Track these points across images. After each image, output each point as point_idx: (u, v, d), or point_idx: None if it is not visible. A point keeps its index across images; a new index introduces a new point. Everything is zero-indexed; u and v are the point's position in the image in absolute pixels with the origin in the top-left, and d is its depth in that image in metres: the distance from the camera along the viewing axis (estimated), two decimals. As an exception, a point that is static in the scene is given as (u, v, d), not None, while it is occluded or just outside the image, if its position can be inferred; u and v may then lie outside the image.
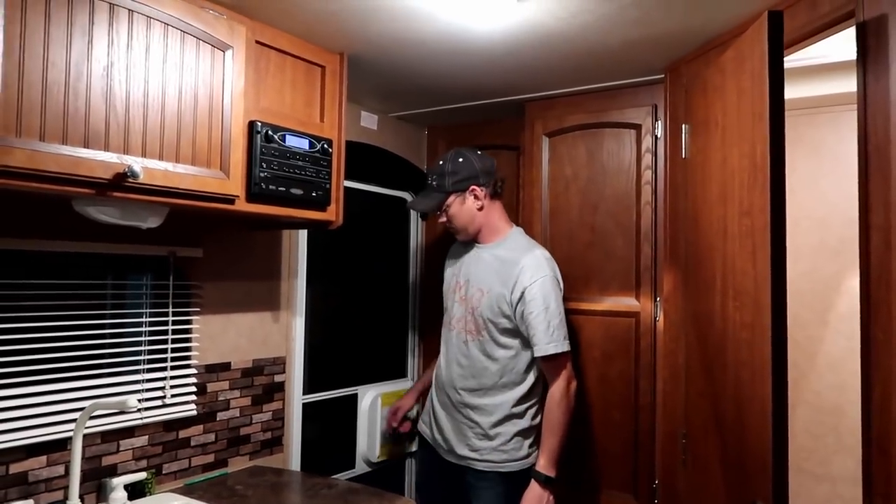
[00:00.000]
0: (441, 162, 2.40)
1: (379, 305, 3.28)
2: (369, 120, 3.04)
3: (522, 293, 2.22)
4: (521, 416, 2.31)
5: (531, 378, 2.32)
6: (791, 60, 2.49)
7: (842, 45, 2.14)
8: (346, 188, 2.83)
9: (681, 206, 2.31)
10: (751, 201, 1.70)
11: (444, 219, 2.42)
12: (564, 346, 2.22)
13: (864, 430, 1.43)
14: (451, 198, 2.37)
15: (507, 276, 2.26)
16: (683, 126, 2.30)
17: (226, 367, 2.40)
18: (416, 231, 3.42)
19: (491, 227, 2.40)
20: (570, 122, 2.73)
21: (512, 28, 2.04)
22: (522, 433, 2.31)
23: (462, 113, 3.07)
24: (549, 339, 2.20)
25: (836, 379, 2.99)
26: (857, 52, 1.57)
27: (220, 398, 2.38)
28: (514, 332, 2.28)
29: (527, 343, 2.27)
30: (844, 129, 2.94)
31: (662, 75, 2.45)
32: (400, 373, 3.33)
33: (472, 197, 2.36)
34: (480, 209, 2.36)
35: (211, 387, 2.34)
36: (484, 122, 3.20)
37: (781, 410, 1.53)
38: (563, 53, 2.26)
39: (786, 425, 1.55)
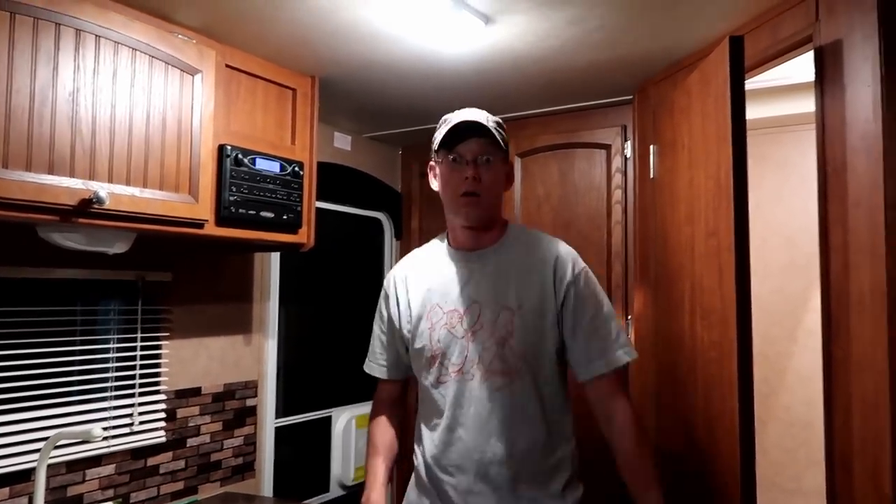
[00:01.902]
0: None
1: (353, 326, 3.26)
2: (343, 141, 3.05)
3: (569, 293, 1.53)
4: (572, 460, 1.59)
5: (569, 408, 1.62)
6: (756, 81, 2.55)
7: (806, 65, 2.20)
8: (320, 209, 2.82)
9: (650, 225, 2.34)
10: (716, 222, 1.73)
11: (479, 178, 1.51)
12: (634, 351, 1.58)
13: (827, 448, 1.45)
14: (505, 156, 1.59)
15: (542, 277, 1.54)
16: (652, 147, 2.34)
17: (196, 391, 2.36)
18: (391, 250, 3.42)
19: (499, 220, 1.63)
20: (541, 142, 2.77)
21: (481, 51, 2.06)
22: (571, 479, 1.58)
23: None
24: (619, 343, 1.54)
25: (805, 394, 3.03)
26: (815, 75, 1.62)
27: (191, 424, 2.34)
28: (560, 354, 1.57)
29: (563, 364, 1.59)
30: (808, 147, 3.00)
31: (631, 96, 2.50)
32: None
33: (507, 170, 1.63)
34: (505, 191, 1.65)
35: (181, 412, 2.30)
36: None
37: (749, 427, 1.56)
38: (533, 75, 2.29)
39: (753, 441, 1.57)
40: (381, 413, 1.78)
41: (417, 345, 1.60)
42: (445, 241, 1.67)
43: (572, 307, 1.53)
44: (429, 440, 1.60)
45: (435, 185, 1.63)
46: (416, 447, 1.67)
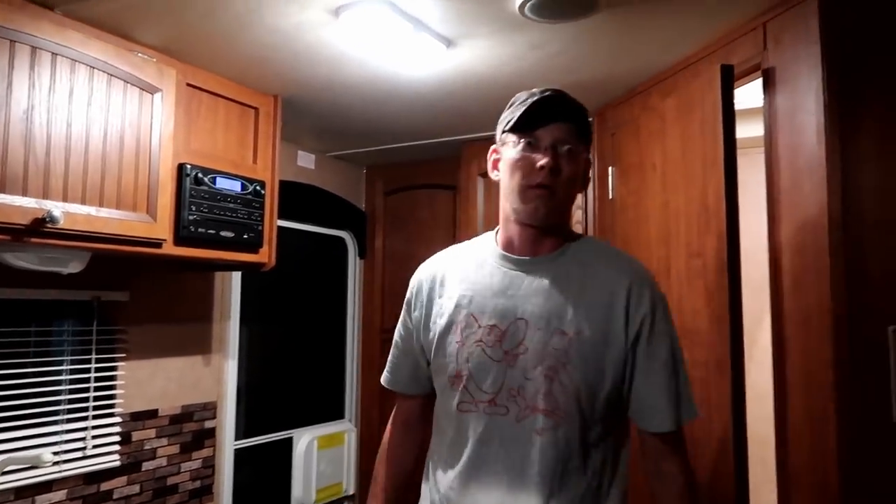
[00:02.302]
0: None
1: (316, 345, 3.24)
2: (306, 159, 3.04)
3: (644, 326, 1.24)
4: None
5: (625, 461, 1.30)
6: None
7: (758, 91, 2.28)
8: (283, 228, 2.82)
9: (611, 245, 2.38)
10: (701, 243, 1.77)
11: (558, 169, 1.23)
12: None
13: (778, 464, 1.49)
14: (588, 149, 1.32)
15: (611, 301, 1.24)
16: (610, 168, 2.39)
17: (153, 414, 2.31)
18: (354, 269, 3.41)
19: (565, 226, 1.35)
20: (504, 163, 2.79)
21: (443, 73, 2.09)
22: None
23: (400, 153, 3.11)
24: (688, 395, 1.28)
25: (762, 411, 3.07)
26: (764, 102, 1.68)
27: (146, 447, 2.28)
28: (618, 398, 1.26)
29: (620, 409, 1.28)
30: (762, 171, 3.09)
31: (591, 119, 2.54)
32: (337, 414, 3.28)
33: (587, 172, 1.33)
34: (581, 191, 1.36)
35: (136, 435, 2.25)
36: (422, 162, 3.24)
37: (742, 445, 1.58)
38: (496, 97, 2.30)
39: (746, 458, 1.60)
40: (395, 440, 1.46)
41: (440, 359, 1.30)
42: (494, 240, 1.35)
43: (645, 344, 1.23)
44: (443, 481, 1.30)
45: (496, 174, 1.33)
46: (423, 487, 1.38)
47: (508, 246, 1.31)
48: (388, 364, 1.47)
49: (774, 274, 1.60)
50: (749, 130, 3.03)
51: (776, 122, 1.64)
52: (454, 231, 3.02)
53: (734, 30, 1.78)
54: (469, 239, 1.45)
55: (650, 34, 1.83)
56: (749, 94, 2.49)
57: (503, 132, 1.30)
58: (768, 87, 1.68)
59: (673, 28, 1.79)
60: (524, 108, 1.24)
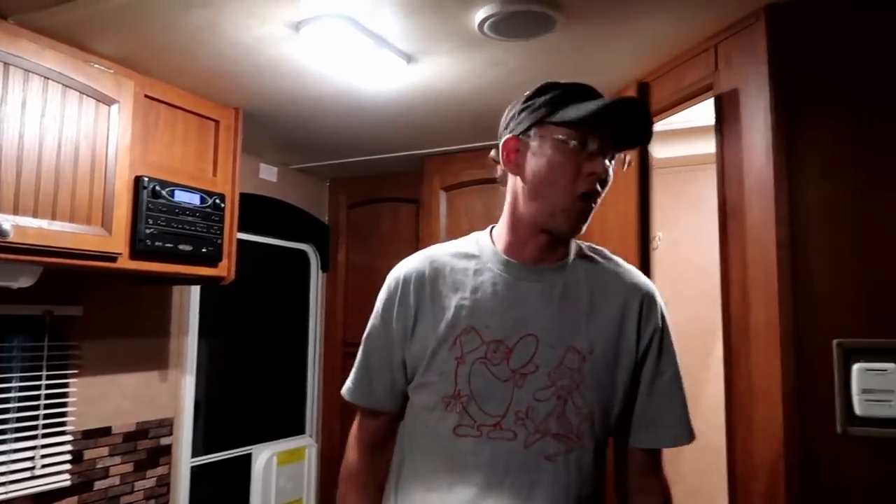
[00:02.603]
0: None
1: (277, 360, 3.20)
2: (268, 172, 3.02)
3: (653, 341, 1.18)
4: None
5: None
6: (673, 123, 2.71)
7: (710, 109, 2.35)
8: (244, 241, 2.79)
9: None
10: (625, 255, 1.81)
11: (606, 180, 1.12)
12: None
13: (729, 473, 1.52)
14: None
15: (624, 315, 1.16)
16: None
17: (106, 431, 2.26)
18: (317, 283, 3.39)
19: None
20: (466, 177, 2.82)
21: (405, 89, 2.11)
22: None
23: (364, 166, 3.11)
24: (687, 415, 1.22)
25: (718, 421, 3.14)
26: (715, 121, 1.73)
27: (99, 466, 2.23)
28: (618, 417, 1.18)
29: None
30: (717, 186, 3.17)
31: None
32: (298, 429, 3.24)
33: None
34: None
35: (88, 454, 2.19)
36: (386, 175, 3.24)
37: None
38: (457, 113, 2.35)
39: None
40: (364, 466, 1.27)
41: (430, 377, 1.13)
42: (490, 242, 1.19)
43: (654, 360, 1.17)
44: None
45: (510, 168, 1.15)
46: None
47: (515, 252, 1.15)
48: (353, 376, 1.25)
49: (725, 288, 1.64)
50: (705, 147, 3.12)
51: (727, 140, 1.69)
52: (417, 245, 3.02)
53: (687, 50, 1.84)
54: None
55: (607, 53, 1.87)
56: (705, 111, 2.58)
57: (541, 123, 1.11)
58: (719, 106, 1.73)
59: (629, 47, 1.84)
60: (599, 105, 1.06)
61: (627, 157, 1.08)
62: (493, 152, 1.21)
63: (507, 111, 1.20)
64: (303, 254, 3.34)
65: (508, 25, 1.65)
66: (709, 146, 3.08)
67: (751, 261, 1.57)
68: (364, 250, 3.34)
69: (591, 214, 1.12)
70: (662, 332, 1.18)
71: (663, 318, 1.20)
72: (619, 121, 1.09)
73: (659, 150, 3.23)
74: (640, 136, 1.13)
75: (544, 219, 1.11)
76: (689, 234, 3.39)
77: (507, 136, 1.15)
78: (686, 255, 3.37)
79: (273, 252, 3.17)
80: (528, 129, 1.13)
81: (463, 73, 1.99)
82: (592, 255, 1.22)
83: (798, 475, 1.41)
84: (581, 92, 1.12)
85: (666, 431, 1.18)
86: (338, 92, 2.13)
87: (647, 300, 1.18)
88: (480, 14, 1.60)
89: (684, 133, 3.11)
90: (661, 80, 1.96)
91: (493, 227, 1.22)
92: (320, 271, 3.39)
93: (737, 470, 1.54)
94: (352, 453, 1.28)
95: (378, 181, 3.26)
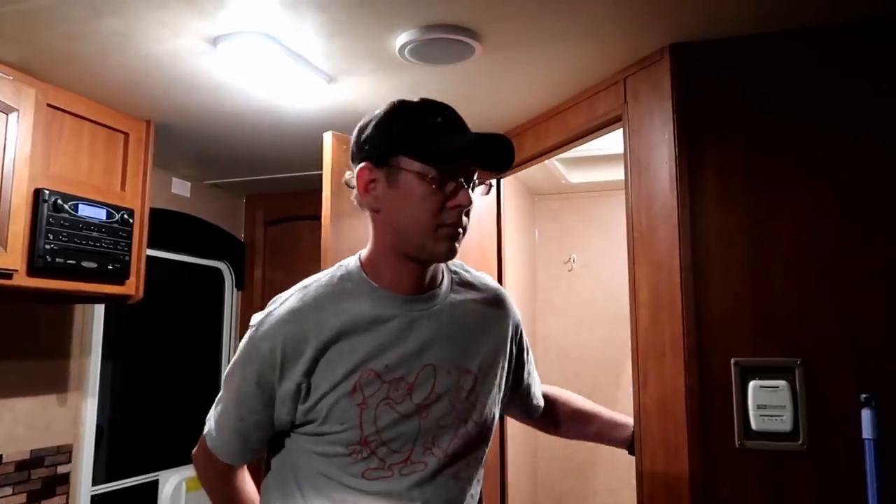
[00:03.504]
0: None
1: (187, 381, 3.08)
2: (181, 187, 2.93)
3: (521, 339, 1.32)
4: None
5: None
6: (585, 150, 2.82)
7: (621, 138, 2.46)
8: (154, 258, 2.68)
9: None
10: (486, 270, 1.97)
11: (469, 204, 1.08)
12: None
13: (638, 490, 1.58)
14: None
15: (501, 327, 1.25)
16: (488, 206, 2.49)
17: (-4, 460, 2.11)
18: (231, 301, 3.30)
19: None
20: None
21: (326, 108, 2.10)
22: None
23: (282, 183, 3.06)
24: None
25: (628, 437, 3.27)
26: (624, 150, 1.81)
27: (-13, 498, 2.07)
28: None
29: None
30: (628, 210, 3.32)
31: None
32: (210, 453, 3.12)
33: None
34: None
35: (-25, 485, 2.04)
36: (305, 193, 3.19)
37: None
38: (378, 133, 2.35)
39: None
40: (228, 496, 1.25)
41: (329, 428, 1.08)
42: (364, 276, 1.13)
43: (525, 352, 1.32)
44: None
45: (369, 202, 1.11)
46: None
47: (393, 284, 1.12)
48: (220, 434, 1.19)
49: (634, 310, 1.71)
50: (616, 174, 3.25)
51: (634, 169, 1.78)
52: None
53: (600, 82, 1.92)
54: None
55: (524, 81, 1.93)
56: (615, 140, 2.69)
57: (395, 153, 1.06)
58: (627, 137, 1.81)
59: (545, 77, 1.90)
60: (463, 143, 1.07)
61: (492, 182, 1.12)
62: (347, 175, 1.14)
63: (357, 132, 1.14)
64: (217, 271, 3.24)
65: (428, 51, 1.68)
66: (618, 173, 3.23)
67: (657, 283, 1.65)
68: (281, 268, 3.28)
69: (462, 237, 1.09)
70: (519, 326, 1.30)
71: (517, 314, 1.30)
72: (482, 153, 1.07)
73: (572, 175, 3.36)
74: (501, 166, 1.09)
75: (414, 251, 1.09)
76: (601, 257, 3.53)
77: (361, 164, 1.09)
78: (598, 278, 3.50)
79: (186, 270, 3.07)
80: (385, 158, 1.07)
81: (383, 95, 2.00)
82: (456, 271, 1.23)
83: (701, 487, 1.48)
84: (436, 118, 1.08)
85: (540, 390, 1.40)
86: (256, 108, 2.10)
87: (508, 302, 1.28)
88: (401, 39, 1.62)
89: (596, 160, 3.25)
90: (576, 108, 2.03)
91: (360, 257, 1.16)
92: (235, 289, 3.30)
93: (644, 487, 1.60)
94: (209, 482, 1.27)
95: (297, 198, 3.21)
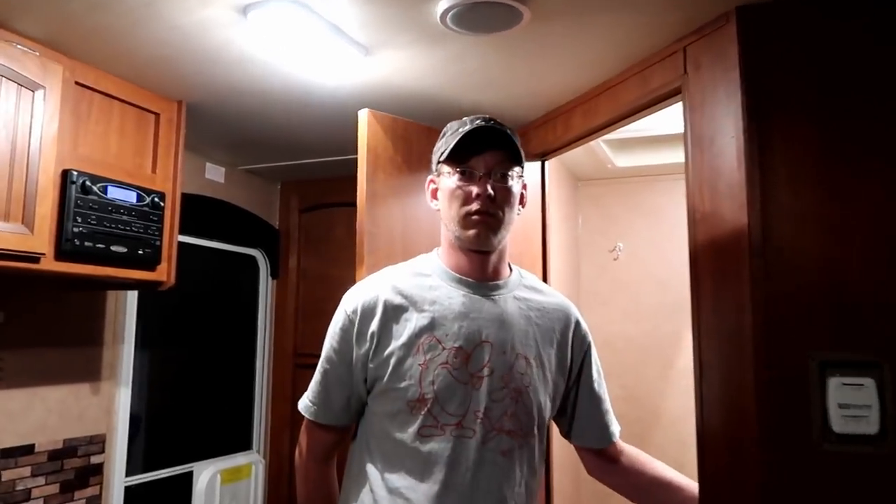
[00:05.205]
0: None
1: (222, 370, 3.03)
2: (215, 172, 2.86)
3: (587, 357, 1.42)
4: None
5: None
6: (629, 131, 2.67)
7: (676, 117, 2.30)
8: (186, 245, 2.63)
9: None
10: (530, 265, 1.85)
11: (493, 196, 1.26)
12: None
13: (701, 492, 1.44)
14: (521, 171, 1.33)
15: (562, 333, 1.38)
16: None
17: (28, 449, 2.06)
18: (266, 289, 3.23)
19: (505, 254, 1.39)
20: (424, 181, 2.72)
21: (361, 84, 1.99)
22: None
23: (317, 168, 2.98)
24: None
25: (678, 435, 3.12)
26: (684, 126, 1.67)
27: (19, 488, 2.03)
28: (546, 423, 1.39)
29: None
30: (678, 196, 3.15)
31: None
32: (244, 445, 3.07)
33: (523, 192, 1.37)
34: (518, 214, 1.36)
35: (7, 475, 2.00)
36: (340, 179, 3.10)
37: None
38: (416, 113, 2.24)
39: None
40: (321, 476, 1.40)
41: (395, 384, 1.24)
42: (439, 262, 1.35)
43: (591, 372, 1.41)
44: None
45: (435, 204, 1.35)
46: None
47: (458, 269, 1.33)
48: (312, 395, 1.36)
49: (696, 298, 1.57)
50: (665, 157, 3.10)
51: (696, 146, 1.63)
52: (372, 251, 2.90)
53: (655, 53, 1.78)
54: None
55: (572, 53, 1.79)
56: (665, 120, 2.53)
57: (438, 163, 1.33)
58: (687, 111, 1.67)
59: (595, 48, 1.76)
60: (456, 140, 1.27)
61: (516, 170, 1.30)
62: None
63: None
64: (252, 259, 3.18)
65: (473, 17, 1.55)
66: (667, 156, 3.09)
67: (721, 269, 1.51)
68: (316, 257, 3.21)
69: (499, 225, 1.28)
70: (591, 348, 1.43)
71: (590, 336, 1.44)
72: (481, 142, 1.26)
73: (619, 159, 3.20)
74: (500, 143, 1.27)
75: (457, 240, 1.31)
76: (648, 245, 3.36)
77: (430, 176, 1.37)
78: (645, 267, 3.34)
79: (220, 257, 3.01)
80: (435, 167, 1.35)
81: (422, 69, 1.89)
82: (526, 277, 1.42)
83: (772, 492, 1.34)
84: (465, 124, 1.29)
85: (613, 427, 1.44)
86: (289, 85, 2.00)
87: (580, 324, 1.42)
88: (444, 3, 1.50)
89: (644, 142, 3.08)
90: (627, 83, 1.89)
91: (437, 249, 1.38)
92: (270, 278, 3.24)
93: (708, 489, 1.46)
94: (306, 467, 1.40)
95: (332, 184, 3.12)
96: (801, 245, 1.41)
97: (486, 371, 1.25)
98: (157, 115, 2.05)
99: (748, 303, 1.41)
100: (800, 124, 1.45)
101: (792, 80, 1.47)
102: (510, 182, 1.29)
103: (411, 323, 1.26)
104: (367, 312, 1.28)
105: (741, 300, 1.43)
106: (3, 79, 1.57)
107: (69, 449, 2.19)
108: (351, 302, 1.31)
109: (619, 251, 3.41)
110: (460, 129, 1.28)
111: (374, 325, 1.27)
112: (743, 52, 1.50)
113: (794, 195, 1.43)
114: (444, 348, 1.24)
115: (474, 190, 1.26)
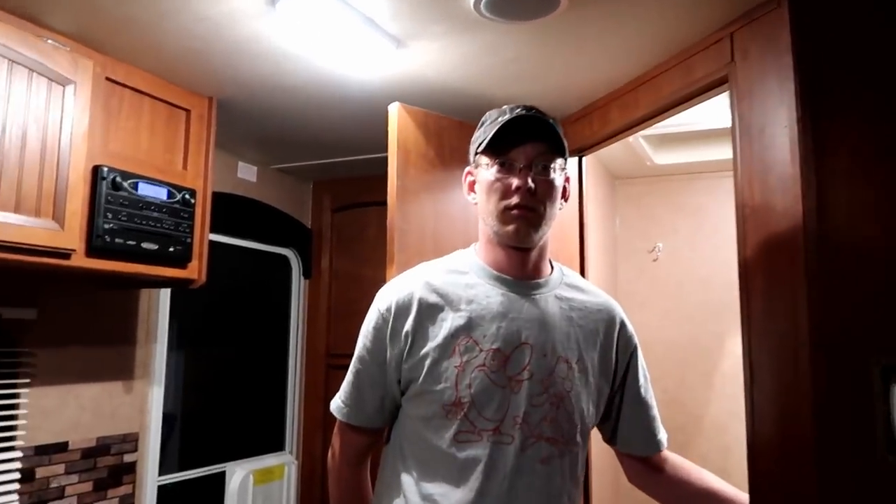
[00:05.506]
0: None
1: (255, 370, 3.01)
2: (247, 171, 2.85)
3: (633, 360, 1.32)
4: None
5: None
6: (670, 126, 2.57)
7: (719, 110, 2.20)
8: (220, 243, 2.62)
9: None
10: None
11: (534, 189, 1.17)
12: None
13: (752, 501, 1.35)
14: (564, 163, 1.24)
15: (606, 335, 1.29)
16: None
17: (62, 447, 2.06)
18: (298, 290, 3.21)
19: (546, 251, 1.30)
20: (458, 178, 2.66)
21: (392, 78, 1.95)
22: None
23: (350, 167, 2.95)
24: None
25: (722, 441, 3.00)
26: (731, 116, 1.58)
27: (53, 485, 2.03)
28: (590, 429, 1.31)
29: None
30: (722, 194, 3.04)
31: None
32: (277, 445, 3.05)
33: (566, 185, 1.27)
34: (560, 209, 1.27)
35: (41, 472, 2.00)
36: (372, 178, 3.05)
37: None
38: (448, 107, 2.18)
39: None
40: (356, 478, 1.35)
41: (429, 386, 1.17)
42: (477, 258, 1.27)
43: (637, 376, 1.32)
44: None
45: (472, 197, 1.28)
46: None
47: (498, 267, 1.25)
48: (345, 396, 1.29)
49: (746, 298, 1.48)
50: (707, 153, 2.98)
51: (745, 137, 1.54)
52: (405, 250, 2.85)
53: (699, 41, 1.69)
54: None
55: (613, 41, 1.72)
56: (708, 114, 2.43)
57: (476, 154, 1.25)
58: (735, 101, 1.58)
59: (635, 36, 1.69)
60: (496, 129, 1.18)
61: (558, 162, 1.20)
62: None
63: None
64: (284, 259, 3.17)
65: (507, 4, 1.49)
66: (710, 152, 2.97)
67: (774, 267, 1.41)
68: (349, 257, 3.17)
69: (539, 221, 1.19)
70: (637, 351, 1.33)
71: (635, 337, 1.34)
72: (521, 132, 1.18)
73: (658, 156, 3.09)
74: (541, 134, 1.19)
75: (495, 235, 1.23)
76: (689, 245, 3.25)
77: (467, 168, 1.30)
78: (686, 268, 3.23)
79: (252, 256, 3.00)
80: (472, 159, 1.26)
81: (455, 61, 1.84)
82: (568, 275, 1.32)
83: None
84: (504, 113, 1.21)
85: (661, 435, 1.33)
86: (319, 79, 1.97)
87: (625, 326, 1.32)
88: (477, -11, 1.45)
89: (685, 138, 2.97)
90: (669, 73, 1.81)
91: (475, 245, 1.30)
92: (302, 278, 3.21)
93: (759, 496, 1.37)
94: (339, 470, 1.34)
95: (364, 183, 3.07)
96: (862, 241, 1.31)
97: (525, 374, 1.17)
98: (187, 111, 2.04)
99: (803, 302, 1.32)
100: (859, 112, 1.35)
101: (849, 65, 1.37)
102: (552, 174, 1.19)
103: (447, 323, 1.18)
104: (402, 311, 1.21)
105: (795, 299, 1.34)
106: (34, 73, 1.56)
107: (102, 447, 2.19)
108: (384, 300, 1.24)
109: (659, 251, 3.30)
110: (500, 119, 1.20)
111: (408, 325, 1.19)
112: (796, 38, 1.41)
113: (855, 188, 1.33)
114: (481, 350, 1.17)
115: (514, 182, 1.17)
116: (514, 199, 1.17)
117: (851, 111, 1.36)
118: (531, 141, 1.18)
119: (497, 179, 1.19)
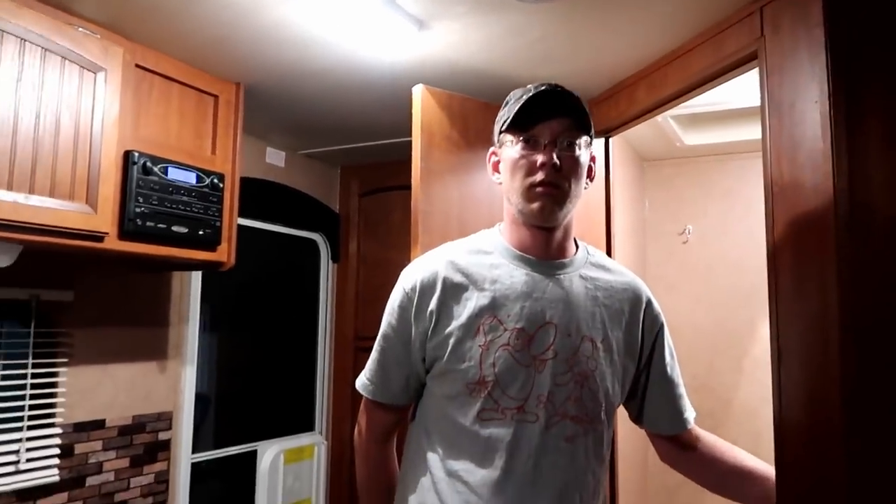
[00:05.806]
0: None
1: (284, 352, 3.07)
2: (276, 157, 2.88)
3: (658, 339, 1.32)
4: None
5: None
6: (698, 105, 2.52)
7: (749, 88, 2.15)
8: (249, 228, 2.66)
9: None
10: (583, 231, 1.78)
11: (559, 166, 1.16)
12: None
13: (778, 487, 1.34)
14: (590, 140, 1.23)
15: (632, 315, 1.28)
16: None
17: (99, 424, 2.13)
18: (327, 273, 3.25)
19: (571, 230, 1.28)
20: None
21: (416, 60, 1.94)
22: None
23: (376, 151, 2.96)
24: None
25: (752, 427, 2.96)
26: (761, 92, 1.55)
27: (91, 461, 2.10)
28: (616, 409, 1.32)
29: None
30: (752, 175, 2.98)
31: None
32: (307, 426, 3.10)
33: (591, 164, 1.26)
34: (585, 188, 1.26)
35: (80, 448, 2.07)
36: (400, 162, 3.06)
37: None
38: (471, 88, 2.18)
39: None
40: (383, 455, 1.35)
41: (454, 365, 1.17)
42: (501, 238, 1.27)
43: (664, 354, 1.31)
44: (454, 497, 1.16)
45: (497, 177, 1.26)
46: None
47: (521, 247, 1.24)
48: (370, 374, 1.30)
49: (774, 278, 1.46)
50: (739, 133, 2.92)
51: (774, 113, 1.50)
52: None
53: (729, 16, 1.66)
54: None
55: (641, 18, 1.69)
56: (739, 92, 2.38)
57: (500, 132, 1.24)
58: (765, 76, 1.54)
59: (663, 12, 1.66)
60: (519, 106, 1.18)
61: (584, 139, 1.19)
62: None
63: None
64: (312, 243, 3.20)
65: (530, -18, 1.48)
66: (741, 132, 2.91)
67: (803, 246, 1.39)
68: (376, 241, 3.19)
69: (564, 198, 1.18)
70: (664, 330, 1.32)
71: (662, 317, 1.33)
72: (546, 109, 1.17)
73: (688, 137, 3.04)
74: (566, 110, 1.17)
75: (520, 213, 1.21)
76: (720, 228, 3.19)
77: (492, 148, 1.29)
78: (716, 251, 3.18)
79: (281, 240, 3.04)
80: (497, 138, 1.25)
81: (478, 42, 1.83)
82: (593, 254, 1.31)
83: (860, 492, 1.23)
84: (528, 90, 1.19)
85: (689, 413, 1.33)
86: (344, 63, 1.97)
87: (651, 305, 1.31)
88: (499, -33, 1.44)
89: (716, 117, 2.91)
90: (698, 49, 1.77)
91: (499, 225, 1.30)
92: (331, 262, 3.25)
93: (787, 484, 1.35)
94: (366, 447, 1.35)
95: (391, 168, 3.08)
96: (894, 219, 1.28)
97: (549, 354, 1.17)
98: (215, 97, 2.06)
99: (833, 283, 1.29)
100: (892, 87, 1.31)
101: (882, 39, 1.33)
102: (577, 151, 1.18)
103: (471, 302, 1.18)
104: (426, 289, 1.21)
105: (826, 279, 1.31)
106: (66, 61, 1.60)
107: (138, 425, 2.26)
108: (409, 278, 1.24)
109: (689, 234, 3.26)
110: (523, 96, 1.19)
111: (433, 303, 1.20)
112: (828, 10, 1.37)
113: (887, 164, 1.30)
114: (505, 329, 1.17)
115: (539, 159, 1.16)
116: (539, 176, 1.16)
117: (884, 86, 1.32)
118: (556, 117, 1.17)
119: (521, 156, 1.18)
